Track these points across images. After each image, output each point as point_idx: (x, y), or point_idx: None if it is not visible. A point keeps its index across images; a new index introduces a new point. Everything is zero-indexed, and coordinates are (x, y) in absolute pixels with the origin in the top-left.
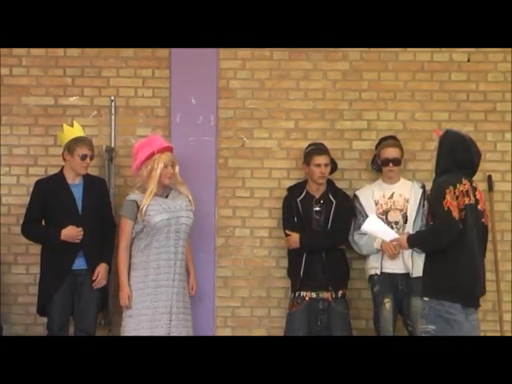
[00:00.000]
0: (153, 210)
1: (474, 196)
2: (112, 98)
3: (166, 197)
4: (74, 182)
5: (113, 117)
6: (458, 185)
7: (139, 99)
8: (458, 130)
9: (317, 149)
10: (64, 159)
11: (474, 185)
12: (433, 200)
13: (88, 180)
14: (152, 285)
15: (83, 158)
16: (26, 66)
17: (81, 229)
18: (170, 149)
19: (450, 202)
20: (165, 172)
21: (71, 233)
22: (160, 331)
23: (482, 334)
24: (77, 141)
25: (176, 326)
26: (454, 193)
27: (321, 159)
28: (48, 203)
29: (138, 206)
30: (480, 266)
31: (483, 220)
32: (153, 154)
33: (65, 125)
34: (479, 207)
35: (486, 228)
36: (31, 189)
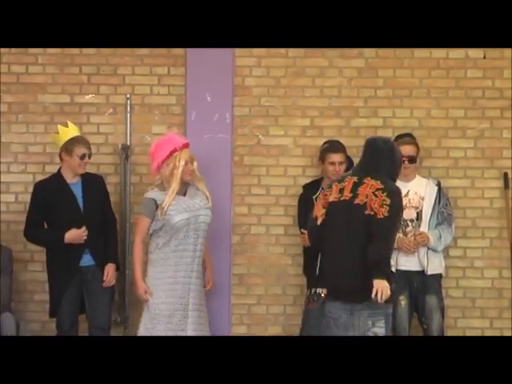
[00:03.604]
0: (173, 210)
1: (354, 192)
2: (127, 95)
3: (184, 194)
4: (73, 181)
5: (128, 115)
6: (334, 184)
7: (155, 97)
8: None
9: (331, 146)
10: (61, 159)
11: (364, 181)
12: None
13: (86, 178)
14: (169, 281)
15: (82, 157)
16: (42, 63)
17: (84, 229)
18: (187, 145)
19: (319, 201)
20: (186, 169)
21: (75, 235)
22: (175, 327)
23: (498, 333)
24: (74, 141)
25: (192, 322)
26: (325, 193)
27: (335, 157)
28: (49, 205)
29: (157, 204)
30: (346, 259)
31: (366, 212)
32: (174, 150)
33: (59, 126)
34: (356, 201)
35: (373, 219)
36: None
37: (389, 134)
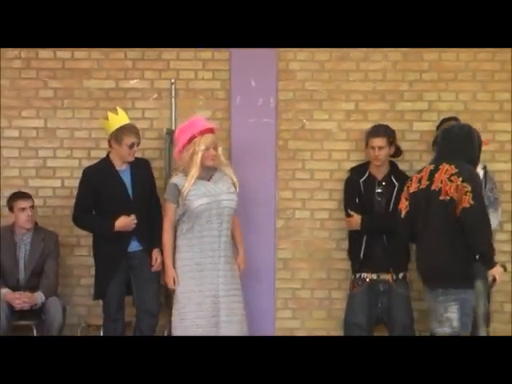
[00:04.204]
0: (193, 195)
1: (430, 179)
2: (172, 80)
3: (209, 179)
4: (122, 167)
5: (173, 99)
6: (414, 175)
7: (199, 82)
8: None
9: (373, 130)
10: (110, 146)
11: (439, 167)
12: None
13: (134, 163)
14: (197, 268)
15: (131, 146)
16: (88, 49)
17: (134, 217)
18: (211, 130)
19: (402, 194)
20: (207, 154)
21: (125, 223)
22: (206, 314)
23: None
24: (123, 129)
25: (225, 308)
26: (408, 185)
27: (375, 141)
28: (98, 191)
29: (179, 190)
30: (429, 246)
31: (441, 198)
32: (193, 137)
33: (109, 112)
34: (433, 187)
35: (450, 202)
36: None
37: (434, 117)
